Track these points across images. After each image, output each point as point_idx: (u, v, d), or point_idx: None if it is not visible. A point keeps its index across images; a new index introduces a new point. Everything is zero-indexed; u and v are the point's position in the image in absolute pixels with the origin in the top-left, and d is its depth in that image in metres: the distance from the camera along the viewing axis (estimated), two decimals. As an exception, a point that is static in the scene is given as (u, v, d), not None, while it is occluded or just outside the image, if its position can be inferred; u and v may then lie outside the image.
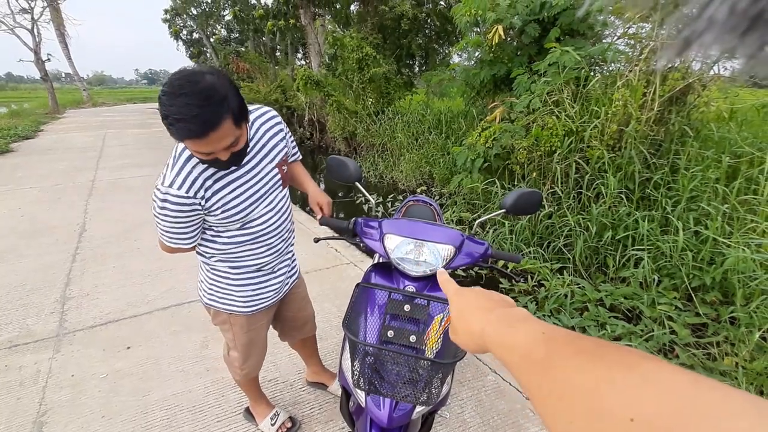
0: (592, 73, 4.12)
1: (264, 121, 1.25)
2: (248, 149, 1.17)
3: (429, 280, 1.28)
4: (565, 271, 3.15)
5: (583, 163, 3.59)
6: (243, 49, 18.69)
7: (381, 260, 1.50)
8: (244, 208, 1.20)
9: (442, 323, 1.17)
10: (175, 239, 1.18)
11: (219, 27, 19.88)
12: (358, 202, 5.79)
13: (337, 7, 10.85)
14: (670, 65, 3.33)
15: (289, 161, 1.46)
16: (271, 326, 1.60)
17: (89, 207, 4.87)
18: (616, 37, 4.68)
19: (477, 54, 5.68)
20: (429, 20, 10.66)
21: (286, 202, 1.37)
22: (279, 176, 1.29)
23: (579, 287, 2.91)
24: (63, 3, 19.80)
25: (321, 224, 1.48)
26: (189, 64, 19.80)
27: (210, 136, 0.95)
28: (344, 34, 8.63)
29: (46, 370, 2.15)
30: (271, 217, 1.29)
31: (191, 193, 1.09)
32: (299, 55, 16.36)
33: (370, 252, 3.78)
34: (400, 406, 1.07)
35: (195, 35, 20.26)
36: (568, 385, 0.26)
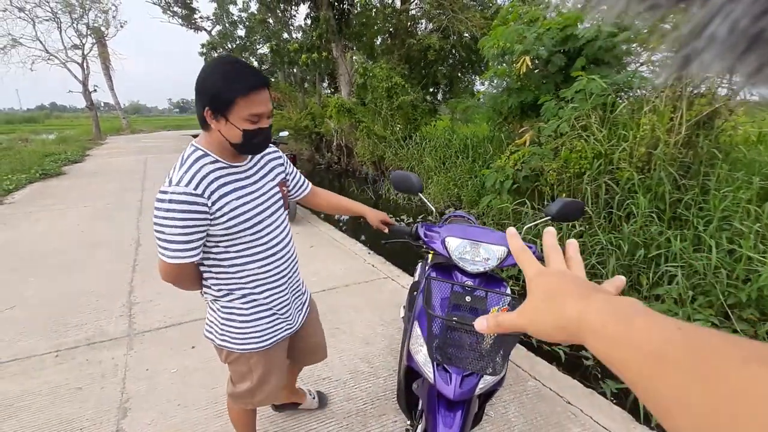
0: (618, 99, 4.30)
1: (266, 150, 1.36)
2: (250, 164, 1.25)
3: (484, 277, 1.46)
4: (598, 288, 3.23)
5: (612, 184, 3.71)
6: (273, 79, 19.74)
7: (437, 260, 1.69)
8: (251, 217, 1.19)
9: (501, 309, 1.34)
10: (176, 250, 1.10)
11: (253, 59, 21.08)
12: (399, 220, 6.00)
13: (364, 40, 11.48)
14: (696, 91, 3.48)
15: (301, 192, 1.55)
16: None
17: (140, 224, 5.25)
18: (639, 64, 4.87)
19: (504, 82, 5.95)
20: (454, 51, 11.12)
21: (288, 223, 1.39)
22: (280, 194, 1.33)
23: (613, 303, 2.98)
24: (110, 40, 21.50)
25: (390, 233, 1.63)
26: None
27: (264, 91, 1.10)
28: (374, 65, 9.11)
29: (123, 364, 2.39)
30: (278, 234, 1.29)
31: (199, 190, 1.08)
32: (324, 85, 17.13)
33: (409, 263, 3.94)
34: (465, 383, 1.23)
35: (229, 67, 21.51)
36: (749, 397, 0.22)
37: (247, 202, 1.19)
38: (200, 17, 19.39)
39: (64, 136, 18.54)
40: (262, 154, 1.32)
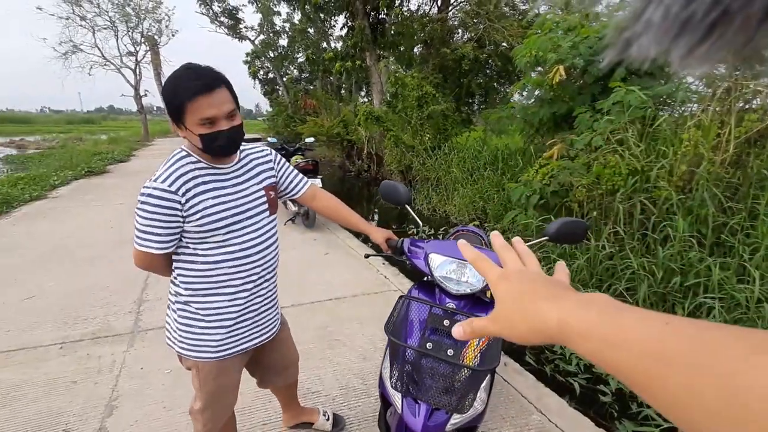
0: (660, 113, 3.98)
1: (254, 152, 1.34)
2: (235, 166, 1.24)
3: (469, 299, 1.31)
4: (625, 317, 2.95)
5: (648, 203, 3.41)
6: (311, 87, 20.23)
7: (427, 279, 1.55)
8: (224, 218, 1.19)
9: (480, 341, 1.18)
10: (145, 240, 1.14)
11: (292, 68, 21.74)
12: (410, 232, 5.86)
13: (401, 49, 11.49)
14: (746, 106, 3.15)
15: (295, 191, 1.49)
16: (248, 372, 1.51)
17: (167, 222, 5.40)
18: (685, 77, 4.51)
19: (537, 93, 5.71)
20: (490, 61, 10.90)
21: (272, 229, 1.35)
22: (265, 199, 1.31)
23: (641, 335, 2.70)
24: (162, 47, 22.85)
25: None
26: (263, 100, 21.73)
27: (215, 93, 1.09)
28: (406, 74, 9.08)
29: (120, 361, 2.39)
30: (254, 239, 1.26)
31: (173, 188, 1.11)
32: (362, 93, 17.35)
33: (418, 276, 3.80)
34: (435, 417, 1.09)
35: (270, 75, 22.29)
36: (760, 388, 0.21)
37: (224, 203, 1.19)
38: (245, 27, 20.23)
39: (115, 137, 19.86)
40: (249, 157, 1.32)
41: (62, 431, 1.87)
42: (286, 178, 1.46)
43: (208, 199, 1.16)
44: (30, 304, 3.07)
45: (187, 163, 1.16)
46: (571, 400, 2.24)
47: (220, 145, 1.14)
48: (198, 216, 1.15)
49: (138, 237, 1.15)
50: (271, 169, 1.39)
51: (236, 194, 1.23)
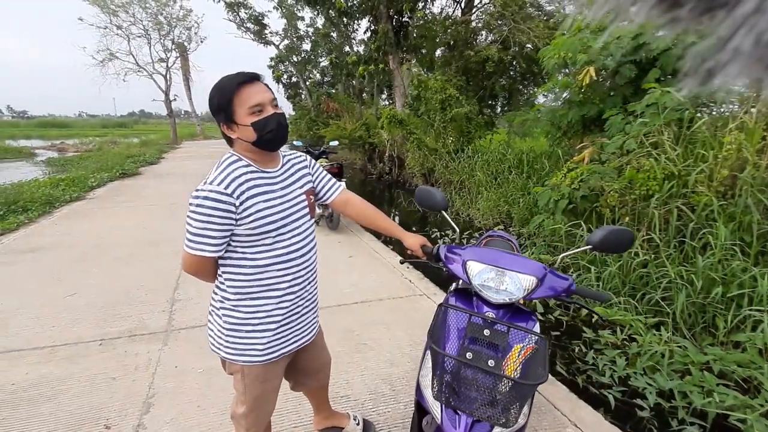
0: (698, 115, 3.82)
1: (292, 157, 1.40)
2: (280, 170, 1.30)
3: (509, 309, 1.29)
4: (662, 328, 2.84)
5: (687, 209, 3.28)
6: (334, 91, 20.42)
7: (461, 286, 1.54)
8: (275, 221, 1.22)
9: (522, 352, 1.16)
10: (199, 243, 1.15)
11: (315, 72, 22.01)
12: (434, 236, 5.83)
13: (423, 52, 11.47)
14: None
15: (329, 195, 1.50)
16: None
17: (197, 224, 5.55)
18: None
19: (565, 95, 5.58)
20: (514, 62, 10.75)
21: (313, 232, 1.38)
22: (306, 203, 1.35)
23: (679, 347, 2.59)
24: (191, 53, 23.59)
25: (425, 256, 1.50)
26: (287, 104, 22.08)
27: (256, 83, 1.18)
28: (429, 77, 9.05)
29: (156, 359, 2.47)
30: (299, 241, 1.29)
31: (229, 190, 1.14)
32: (383, 96, 17.37)
33: (448, 280, 3.78)
34: (476, 429, 1.07)
35: (293, 79, 22.63)
36: None
37: (274, 206, 1.23)
38: (270, 32, 20.61)
39: (146, 140, 20.60)
40: (291, 162, 1.37)
41: (104, 426, 1.94)
42: (320, 182, 1.49)
43: (260, 202, 1.20)
44: (72, 300, 3.21)
45: (240, 167, 1.20)
46: (606, 413, 2.17)
47: (272, 130, 1.19)
48: (251, 219, 1.18)
49: (191, 241, 1.16)
50: (309, 174, 1.43)
51: (284, 197, 1.27)
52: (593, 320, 3.20)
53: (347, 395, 2.16)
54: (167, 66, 22.16)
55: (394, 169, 11.14)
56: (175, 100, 22.64)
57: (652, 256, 3.33)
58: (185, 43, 22.50)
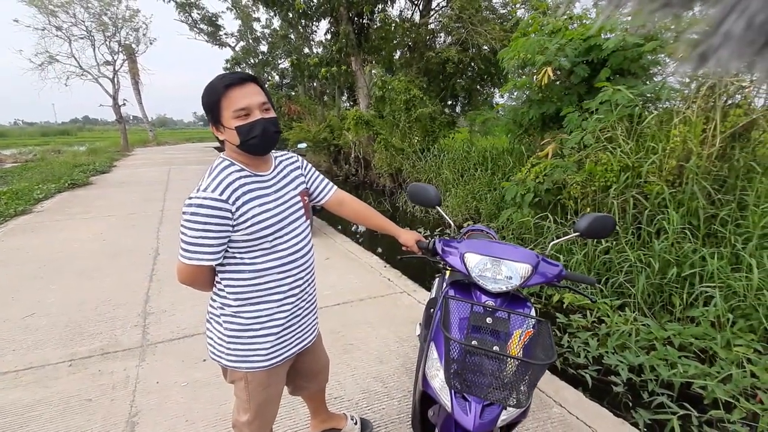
0: (646, 111, 4.14)
1: (284, 158, 1.38)
2: (273, 173, 1.28)
3: (507, 296, 1.36)
4: (626, 308, 3.06)
5: (641, 198, 3.54)
6: (293, 93, 20.13)
7: (457, 278, 1.59)
8: (272, 224, 1.20)
9: (522, 337, 1.23)
10: (196, 252, 1.13)
11: (274, 74, 21.59)
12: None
13: (383, 54, 11.56)
14: (730, 102, 3.31)
15: (324, 196, 1.50)
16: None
17: (161, 234, 5.32)
18: (667, 75, 4.70)
19: (524, 94, 5.84)
20: (473, 64, 11.08)
21: (309, 234, 1.37)
22: (301, 204, 1.34)
23: (644, 325, 2.81)
24: (140, 56, 22.41)
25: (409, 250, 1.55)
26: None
27: (247, 85, 1.15)
28: (393, 78, 9.14)
29: (134, 376, 2.36)
30: (297, 243, 1.29)
31: (224, 197, 1.12)
32: (344, 98, 17.34)
33: (428, 276, 3.84)
34: (486, 414, 1.12)
35: (251, 81, 22.09)
36: None
37: (270, 209, 1.22)
38: (225, 34, 20.02)
39: (94, 148, 19.30)
40: (284, 163, 1.36)
41: (85, 450, 1.83)
42: (314, 183, 1.49)
43: (256, 206, 1.18)
44: (31, 321, 2.99)
45: (233, 171, 1.17)
46: (585, 392, 2.32)
47: (257, 135, 1.15)
48: (248, 224, 1.16)
49: (186, 251, 1.14)
50: (302, 175, 1.42)
51: (278, 200, 1.25)
52: (564, 306, 3.38)
53: (340, 396, 2.17)
54: (114, 69, 20.94)
55: (360, 170, 11.16)
56: (124, 104, 21.41)
57: (614, 242, 3.57)
58: (133, 45, 21.33)
